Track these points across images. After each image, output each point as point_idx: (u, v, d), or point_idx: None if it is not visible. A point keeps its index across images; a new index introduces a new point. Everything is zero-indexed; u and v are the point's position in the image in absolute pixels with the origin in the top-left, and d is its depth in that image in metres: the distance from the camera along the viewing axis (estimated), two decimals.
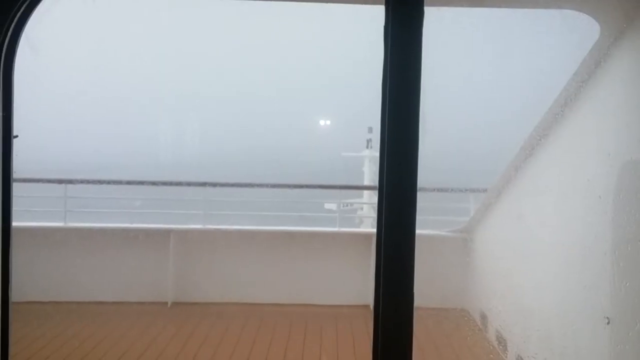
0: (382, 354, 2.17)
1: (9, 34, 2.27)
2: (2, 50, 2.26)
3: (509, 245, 6.57)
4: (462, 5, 3.63)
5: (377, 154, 2.23)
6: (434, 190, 8.32)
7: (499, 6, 4.14)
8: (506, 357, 6.37)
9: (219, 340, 7.56)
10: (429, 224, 9.08)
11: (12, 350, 2.41)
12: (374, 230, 2.24)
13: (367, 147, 20.48)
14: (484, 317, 7.42)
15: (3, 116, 2.28)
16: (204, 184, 10.14)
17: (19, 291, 2.47)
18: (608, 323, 3.61)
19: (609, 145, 3.88)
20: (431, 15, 2.14)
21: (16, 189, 2.41)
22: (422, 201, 2.20)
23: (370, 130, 20.30)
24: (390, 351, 2.17)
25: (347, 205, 13.63)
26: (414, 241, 2.14)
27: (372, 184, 17.66)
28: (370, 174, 19.64)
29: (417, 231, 2.13)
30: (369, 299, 8.61)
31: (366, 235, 9.33)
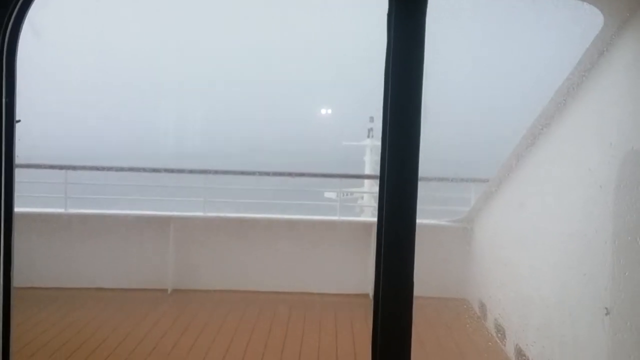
0: (382, 343, 2.18)
1: (12, 19, 2.26)
2: (5, 35, 2.26)
3: (509, 235, 6.58)
4: None
5: (379, 144, 2.23)
6: (435, 179, 8.32)
7: None
8: (504, 345, 6.40)
9: (218, 327, 7.58)
10: (431, 213, 9.08)
11: (14, 334, 2.42)
12: (375, 219, 2.25)
13: (369, 136, 20.53)
14: (483, 306, 7.44)
15: (6, 102, 2.28)
16: (205, 172, 10.15)
17: (20, 276, 2.48)
18: (607, 313, 3.62)
19: (611, 135, 3.88)
20: (434, 5, 2.13)
21: (18, 174, 2.41)
22: (425, 190, 2.20)
23: (371, 119, 20.34)
24: (389, 340, 2.18)
25: (347, 194, 13.66)
26: (414, 231, 2.15)
27: (373, 173, 17.69)
28: (371, 163, 19.71)
29: (418, 221, 2.14)
30: (369, 288, 8.63)
31: (366, 225, 9.34)
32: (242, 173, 11.21)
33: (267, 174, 10.73)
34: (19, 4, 2.25)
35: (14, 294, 2.40)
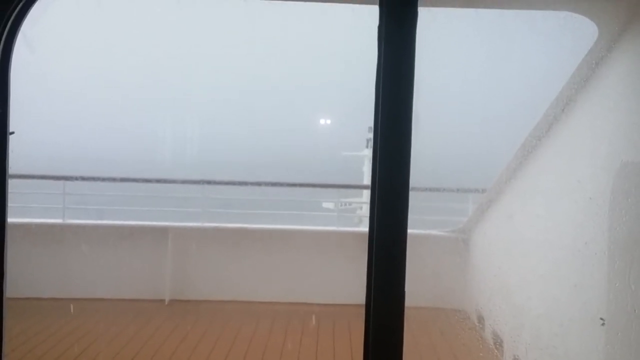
0: (373, 353, 2.18)
1: (6, 31, 2.27)
2: None
3: (506, 246, 6.58)
4: (456, 7, 3.62)
5: None
6: (426, 190, 8.29)
7: (494, 7, 4.13)
8: (502, 356, 6.38)
9: (216, 338, 7.57)
10: (429, 224, 9.06)
11: (9, 346, 2.42)
12: None
13: (367, 146, 20.52)
14: (480, 317, 7.43)
15: None
16: (200, 182, 10.15)
17: (16, 287, 2.48)
18: (603, 324, 3.62)
19: (601, 147, 3.90)
20: (425, 16, 2.15)
21: (17, 185, 2.42)
22: (425, 201, 2.22)
23: (370, 129, 20.27)
24: (380, 350, 2.18)
25: (345, 205, 13.65)
26: (406, 240, 2.15)
27: None
28: (370, 173, 19.70)
29: (416, 231, 2.15)
30: None
31: (364, 235, 9.30)
32: (239, 183, 11.20)
33: (264, 184, 10.74)
34: (13, 16, 2.26)
35: (6, 305, 2.40)
